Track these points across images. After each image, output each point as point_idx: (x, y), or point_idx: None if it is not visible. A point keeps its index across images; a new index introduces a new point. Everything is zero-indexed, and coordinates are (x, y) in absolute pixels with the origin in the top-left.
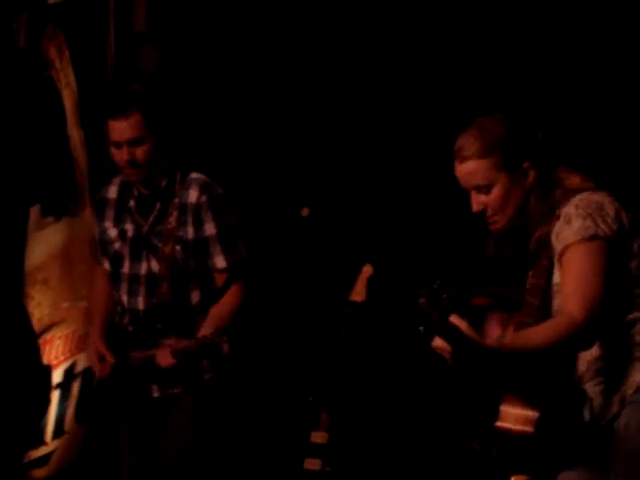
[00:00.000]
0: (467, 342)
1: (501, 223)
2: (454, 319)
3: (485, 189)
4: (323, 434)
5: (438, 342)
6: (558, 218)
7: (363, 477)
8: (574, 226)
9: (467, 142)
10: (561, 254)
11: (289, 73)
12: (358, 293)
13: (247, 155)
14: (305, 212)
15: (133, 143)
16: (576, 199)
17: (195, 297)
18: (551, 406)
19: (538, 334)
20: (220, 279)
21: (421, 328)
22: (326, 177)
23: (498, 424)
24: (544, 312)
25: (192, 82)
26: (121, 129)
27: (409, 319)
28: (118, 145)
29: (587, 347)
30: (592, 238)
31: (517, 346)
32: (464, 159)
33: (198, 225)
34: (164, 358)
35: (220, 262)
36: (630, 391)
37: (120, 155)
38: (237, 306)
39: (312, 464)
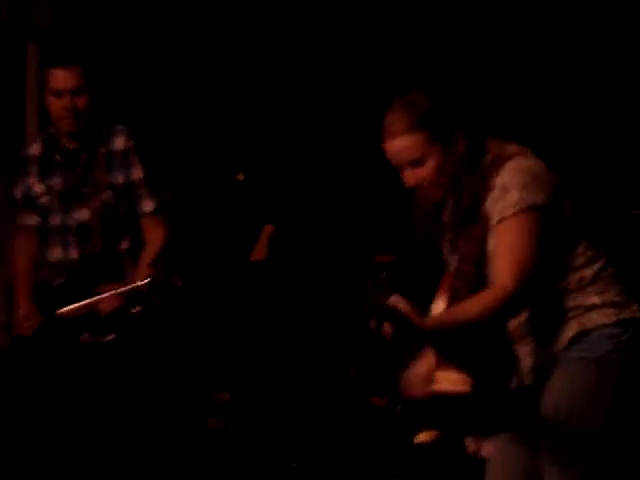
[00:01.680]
0: (405, 322)
1: (438, 195)
2: (394, 299)
3: (419, 163)
4: (226, 394)
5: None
6: (491, 188)
7: (265, 436)
8: (512, 197)
9: (395, 119)
10: (498, 224)
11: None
12: (259, 252)
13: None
14: (240, 176)
15: (75, 92)
16: (510, 167)
17: (124, 244)
18: (483, 367)
19: (470, 308)
20: (146, 223)
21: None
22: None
23: (435, 387)
24: (479, 279)
25: (90, 37)
26: (65, 78)
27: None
28: (59, 94)
29: (518, 314)
30: (529, 209)
31: (451, 323)
32: (395, 135)
33: (127, 169)
34: (107, 303)
35: (147, 205)
36: (561, 347)
37: (62, 103)
38: (161, 249)
39: (215, 423)
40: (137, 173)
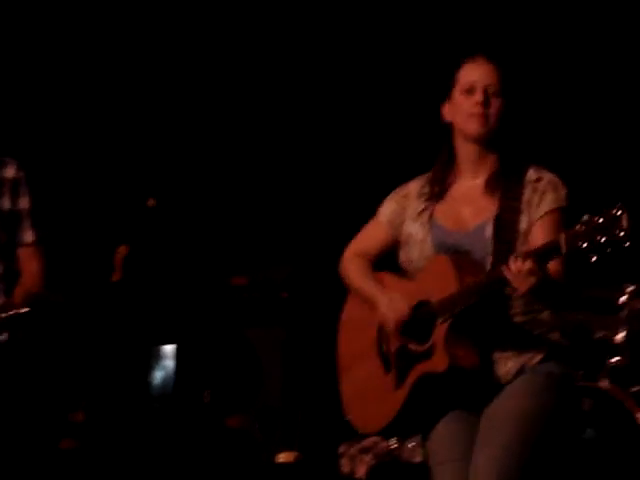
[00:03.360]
0: None
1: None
2: None
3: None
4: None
5: None
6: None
7: (117, 455)
8: (562, 193)
9: None
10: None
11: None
12: (114, 272)
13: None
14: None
15: None
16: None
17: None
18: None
19: None
20: (24, 253)
21: None
22: None
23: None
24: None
25: None
26: None
27: None
28: None
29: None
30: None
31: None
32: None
33: (14, 198)
34: None
35: (29, 236)
36: (525, 367)
37: None
38: (41, 279)
39: (69, 443)
40: (24, 203)
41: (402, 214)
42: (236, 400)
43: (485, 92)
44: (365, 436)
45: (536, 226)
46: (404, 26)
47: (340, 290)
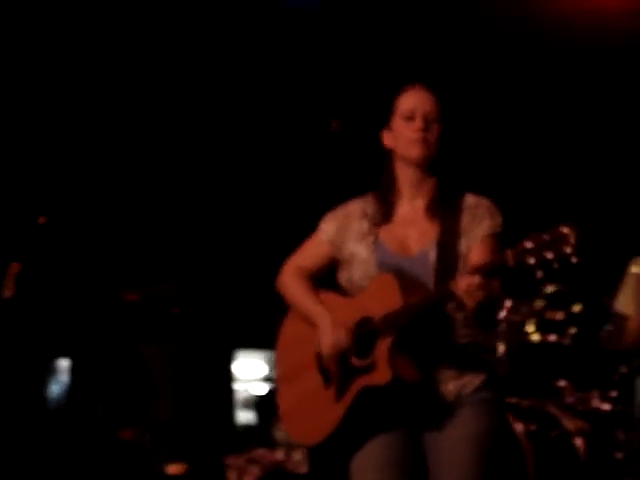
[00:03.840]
0: None
1: None
2: None
3: None
4: None
5: None
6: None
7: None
8: (498, 220)
9: None
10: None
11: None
12: (7, 288)
13: None
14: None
15: None
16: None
17: None
18: None
19: None
20: None
21: None
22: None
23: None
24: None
25: None
26: None
27: None
28: None
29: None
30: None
31: None
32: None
33: None
34: None
35: None
36: (467, 390)
37: None
38: None
39: None
40: None
41: (344, 234)
42: (128, 413)
43: (425, 119)
44: (253, 448)
45: (474, 250)
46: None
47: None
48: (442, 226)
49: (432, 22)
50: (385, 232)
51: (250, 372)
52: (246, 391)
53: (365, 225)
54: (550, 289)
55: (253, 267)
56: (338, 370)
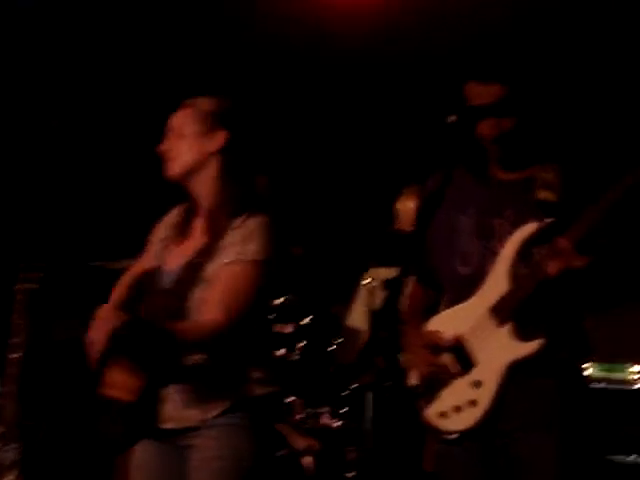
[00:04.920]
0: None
1: None
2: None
3: None
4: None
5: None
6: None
7: None
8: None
9: None
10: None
11: None
12: None
13: None
14: None
15: None
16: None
17: None
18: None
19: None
20: None
21: None
22: None
23: (105, 391)
24: None
25: None
26: None
27: None
28: None
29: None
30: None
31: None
32: None
33: None
34: None
35: None
36: (213, 412)
37: None
38: None
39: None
40: None
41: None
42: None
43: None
44: None
45: (220, 272)
46: None
47: None
48: (203, 244)
49: None
50: (174, 242)
51: None
52: None
53: (164, 232)
54: (278, 301)
55: None
56: None
